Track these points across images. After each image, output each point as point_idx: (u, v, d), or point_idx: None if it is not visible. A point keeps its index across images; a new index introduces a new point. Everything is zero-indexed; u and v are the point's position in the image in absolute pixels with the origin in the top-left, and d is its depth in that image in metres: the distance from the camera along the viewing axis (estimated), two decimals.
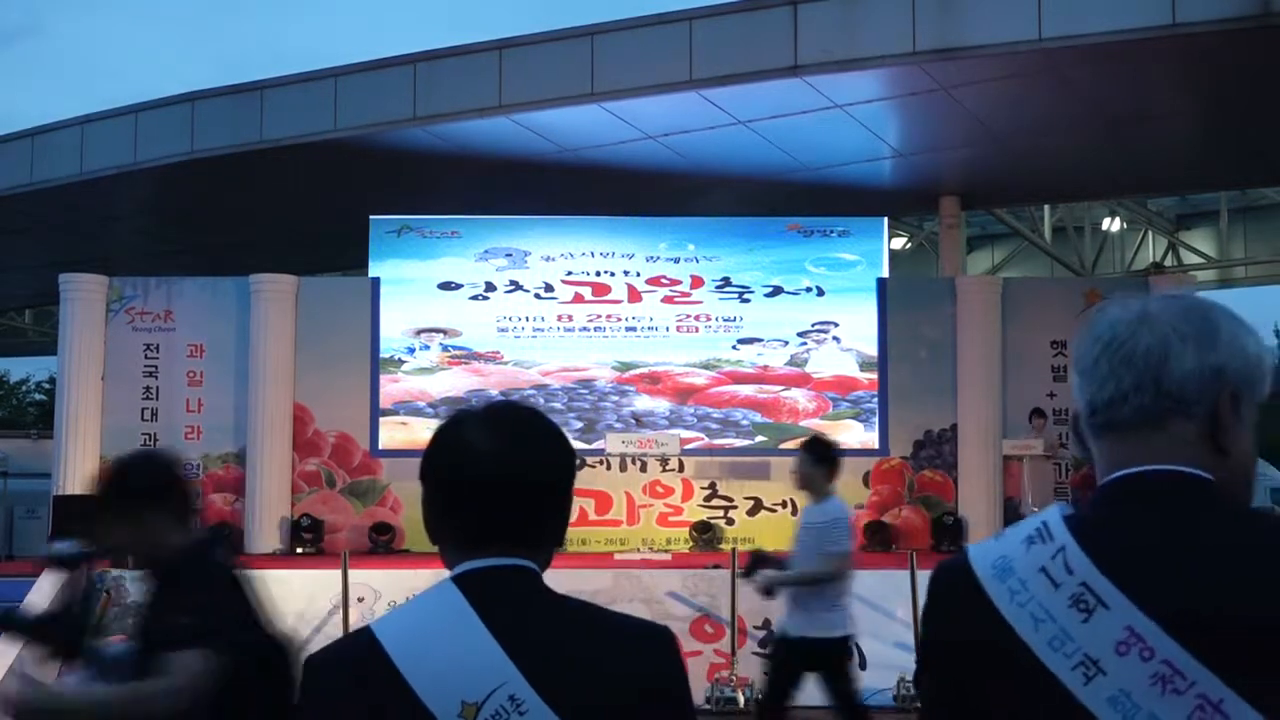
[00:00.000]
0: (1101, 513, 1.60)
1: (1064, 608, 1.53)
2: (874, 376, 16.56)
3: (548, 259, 16.89)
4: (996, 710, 1.57)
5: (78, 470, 15.88)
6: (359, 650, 1.78)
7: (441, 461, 1.87)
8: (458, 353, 16.82)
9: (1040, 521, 1.62)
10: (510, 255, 16.93)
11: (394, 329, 16.72)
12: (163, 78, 31.07)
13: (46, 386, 37.49)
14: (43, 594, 11.23)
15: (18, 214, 18.25)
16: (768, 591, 6.86)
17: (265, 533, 15.84)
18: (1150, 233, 26.10)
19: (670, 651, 1.85)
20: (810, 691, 6.74)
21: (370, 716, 1.73)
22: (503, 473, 1.84)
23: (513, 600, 1.80)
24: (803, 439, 7.23)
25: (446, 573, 1.85)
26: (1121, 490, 1.60)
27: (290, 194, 17.49)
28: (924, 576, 11.10)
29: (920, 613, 1.72)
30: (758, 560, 6.97)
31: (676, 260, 16.95)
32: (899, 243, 24.30)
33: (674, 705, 1.82)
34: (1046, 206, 23.86)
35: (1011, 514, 15.64)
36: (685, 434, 16.24)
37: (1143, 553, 1.52)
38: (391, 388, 16.66)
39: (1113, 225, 25.50)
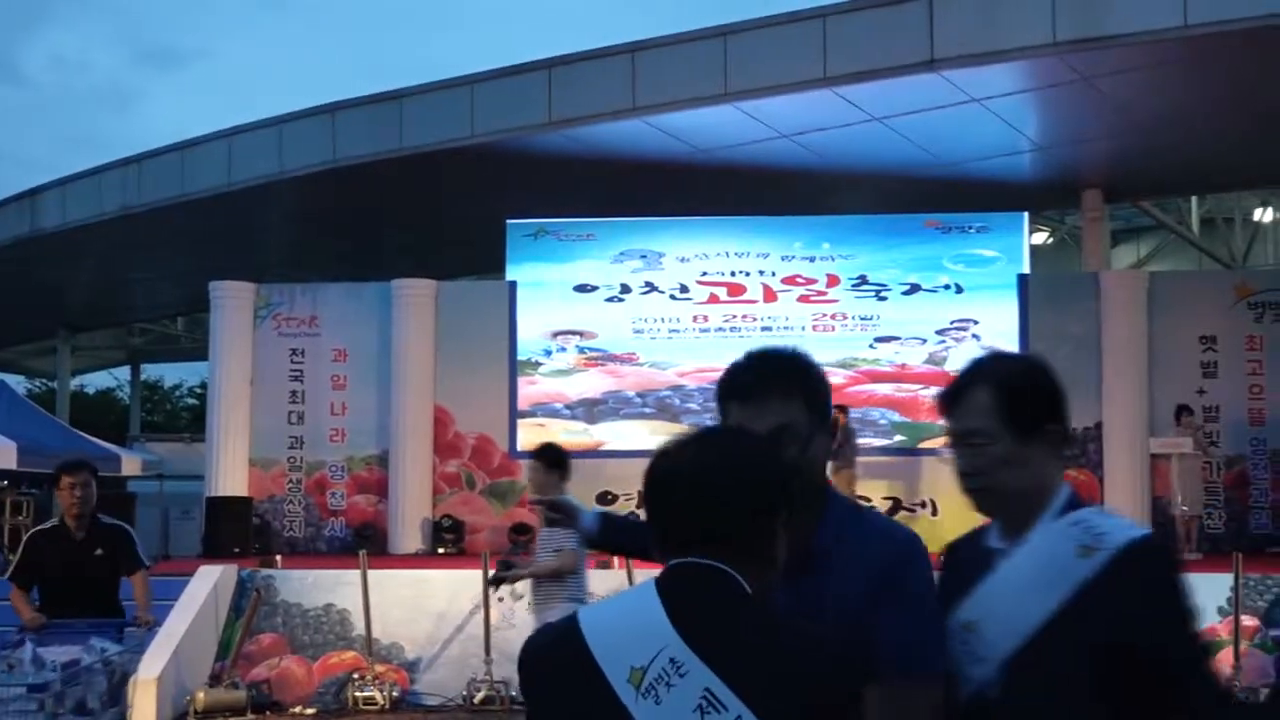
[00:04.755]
0: None
1: None
2: None
3: (682, 260, 16.90)
4: None
5: (229, 473, 16.34)
6: (562, 630, 1.99)
7: (650, 475, 2.04)
8: (594, 354, 16.92)
9: None
10: (645, 257, 16.98)
11: (531, 331, 16.88)
12: (313, 90, 32.10)
13: (199, 391, 38.64)
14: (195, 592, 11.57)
15: (170, 224, 18.85)
16: (496, 583, 7.92)
17: (408, 533, 16.11)
18: None
19: (847, 667, 1.90)
20: None
21: (564, 684, 1.93)
22: (683, 481, 1.97)
23: (696, 589, 1.92)
24: (537, 446, 7.81)
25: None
26: None
27: (429, 200, 17.79)
28: None
29: None
30: (502, 566, 7.90)
31: (812, 259, 16.83)
32: (1040, 238, 23.81)
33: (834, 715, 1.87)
34: (1194, 198, 23.16)
35: (1160, 514, 15.25)
36: None
37: None
38: (529, 389, 16.82)
39: (1264, 216, 24.68)
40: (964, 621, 2.36)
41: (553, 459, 7.22)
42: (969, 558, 2.46)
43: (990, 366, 2.50)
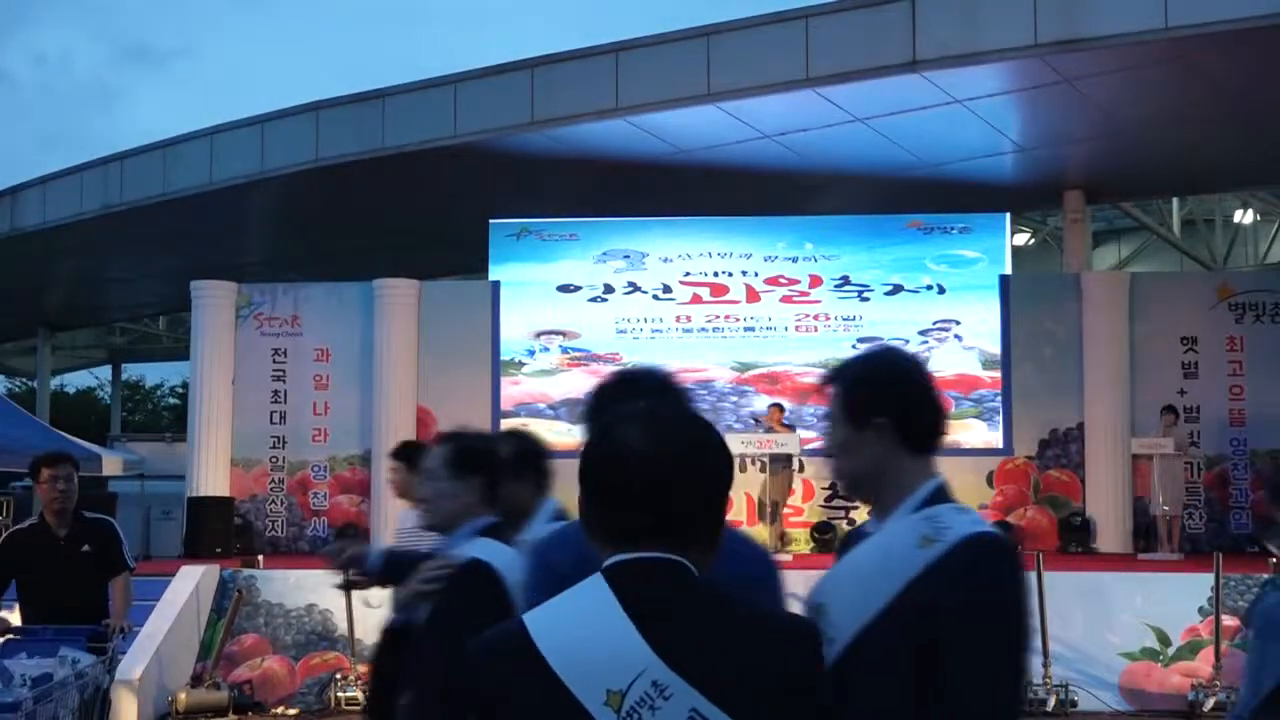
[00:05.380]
0: None
1: None
2: (997, 375, 16.31)
3: (665, 260, 16.92)
4: None
5: (211, 472, 16.28)
6: (509, 639, 1.85)
7: (595, 459, 1.92)
8: (577, 354, 16.92)
9: None
10: (628, 257, 16.99)
11: (514, 331, 16.87)
12: (295, 89, 32.36)
13: (180, 391, 38.53)
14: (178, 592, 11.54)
15: (151, 223, 18.77)
16: (349, 586, 6.28)
17: (391, 533, 16.05)
18: None
19: (816, 648, 1.89)
20: None
21: (520, 702, 1.80)
22: (649, 471, 1.86)
23: (657, 591, 1.83)
24: (396, 444, 6.85)
25: None
26: None
27: (411, 199, 17.75)
28: (1051, 578, 10.89)
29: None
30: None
31: (795, 260, 16.86)
32: (1022, 239, 23.87)
33: (815, 701, 1.85)
34: (1175, 199, 23.26)
35: (1141, 514, 15.31)
36: (805, 434, 16.13)
37: None
38: (512, 390, 16.82)
39: (1245, 217, 24.78)
40: (814, 603, 2.41)
41: (415, 459, 5.99)
42: (853, 543, 2.54)
43: (850, 361, 2.65)
